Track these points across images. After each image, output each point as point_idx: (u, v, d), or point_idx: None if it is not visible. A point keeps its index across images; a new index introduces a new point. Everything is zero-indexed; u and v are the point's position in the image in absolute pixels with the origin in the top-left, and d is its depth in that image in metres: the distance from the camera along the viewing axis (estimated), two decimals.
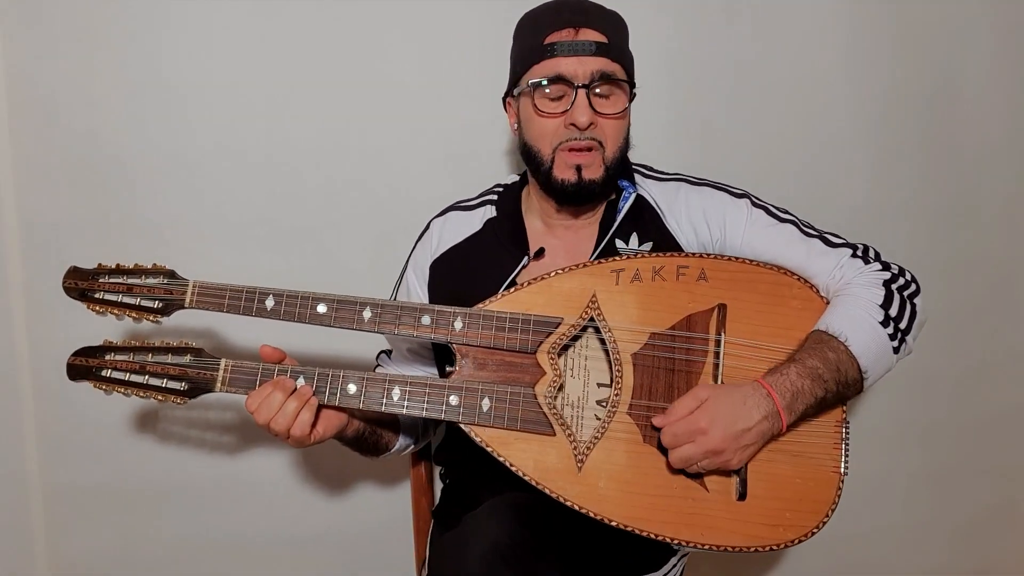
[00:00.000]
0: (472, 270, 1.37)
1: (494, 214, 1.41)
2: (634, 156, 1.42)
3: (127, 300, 1.21)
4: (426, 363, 1.45)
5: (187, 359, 1.20)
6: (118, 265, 1.23)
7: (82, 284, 1.22)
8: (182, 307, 1.21)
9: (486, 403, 1.19)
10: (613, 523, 1.16)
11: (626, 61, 1.29)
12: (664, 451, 1.16)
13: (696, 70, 1.76)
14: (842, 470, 1.22)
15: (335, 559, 1.81)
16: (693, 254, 1.27)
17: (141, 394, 1.19)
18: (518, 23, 1.33)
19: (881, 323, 1.20)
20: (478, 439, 1.19)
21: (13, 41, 1.57)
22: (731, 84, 1.77)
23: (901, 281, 1.25)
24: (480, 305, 1.23)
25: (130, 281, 1.22)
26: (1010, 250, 1.95)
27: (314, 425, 1.20)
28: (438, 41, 1.69)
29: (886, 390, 1.87)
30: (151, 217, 1.65)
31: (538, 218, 1.39)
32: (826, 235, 1.31)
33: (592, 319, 1.22)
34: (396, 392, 1.19)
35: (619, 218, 1.34)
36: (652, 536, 1.16)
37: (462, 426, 1.19)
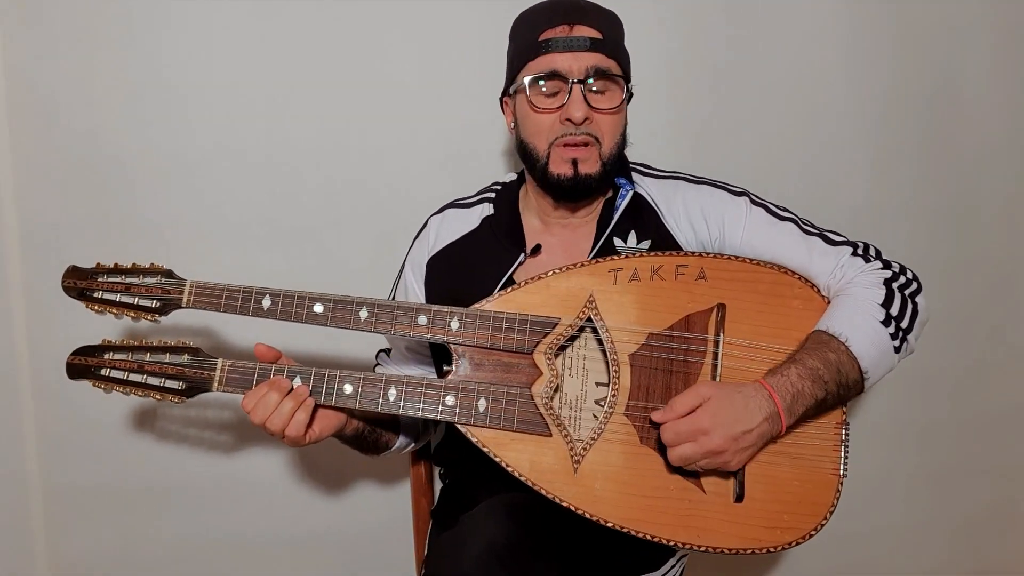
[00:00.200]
0: (469, 267, 1.37)
1: (492, 212, 1.41)
2: (634, 155, 1.42)
3: (125, 299, 1.22)
4: (425, 362, 1.45)
5: (185, 358, 1.20)
6: (116, 265, 1.24)
7: (81, 283, 1.22)
8: (179, 307, 1.21)
9: (482, 403, 1.18)
10: (609, 524, 1.15)
11: (621, 57, 1.29)
12: (662, 449, 1.16)
13: (696, 70, 1.76)
14: (841, 472, 1.21)
15: (335, 559, 1.81)
16: (692, 253, 1.26)
17: (139, 393, 1.20)
18: (514, 22, 1.34)
19: (882, 323, 1.20)
20: (474, 439, 1.19)
21: (13, 41, 1.58)
22: (731, 84, 1.77)
23: (902, 279, 1.25)
24: (477, 305, 1.23)
25: (128, 280, 1.22)
26: (1009, 250, 1.94)
27: (310, 425, 1.20)
28: (438, 41, 1.69)
29: (886, 390, 1.86)
30: (151, 217, 1.65)
31: (535, 216, 1.39)
32: (826, 233, 1.31)
33: (589, 319, 1.22)
34: (392, 392, 1.19)
35: (616, 216, 1.34)
36: (648, 538, 1.16)
37: (458, 427, 1.19)
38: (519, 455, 1.18)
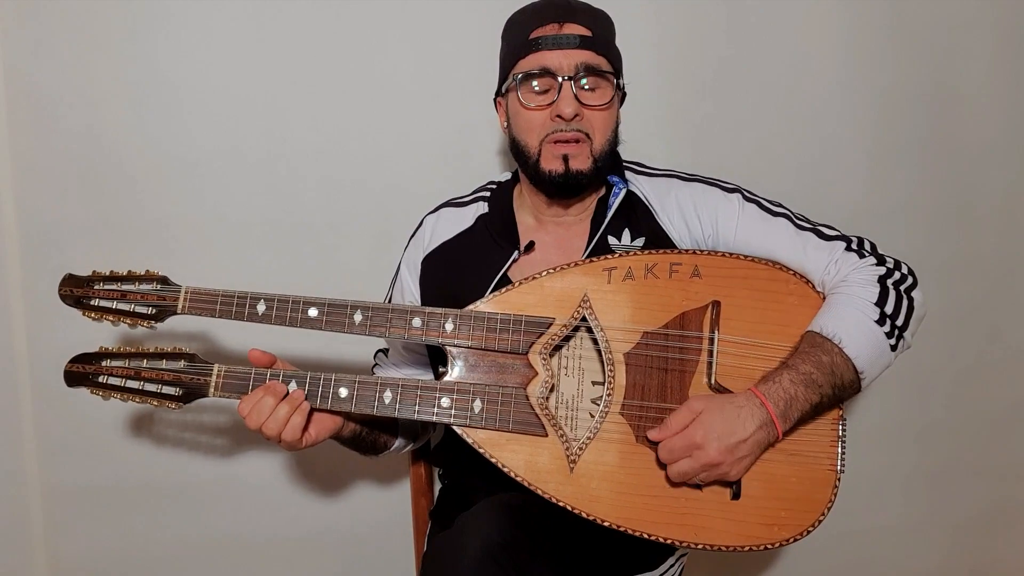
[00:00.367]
0: (463, 265, 1.37)
1: (486, 210, 1.42)
2: (629, 154, 1.42)
3: (121, 307, 1.22)
4: (423, 361, 1.46)
5: (181, 364, 1.21)
6: (112, 272, 1.24)
7: (77, 291, 1.23)
8: (175, 313, 1.22)
9: (478, 404, 1.19)
10: (606, 523, 1.16)
11: (612, 55, 1.29)
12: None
13: (692, 68, 1.75)
14: (838, 468, 1.21)
15: (334, 559, 1.81)
16: (687, 251, 1.26)
17: (137, 400, 1.21)
18: (505, 23, 1.34)
19: (876, 321, 1.19)
20: (470, 440, 1.19)
21: (12, 40, 1.57)
22: (728, 83, 1.76)
23: (897, 275, 1.24)
24: (471, 306, 1.23)
25: (124, 288, 1.23)
26: (1008, 249, 1.93)
27: (306, 429, 1.20)
28: (434, 42, 1.69)
29: (883, 389, 1.86)
30: (151, 217, 1.65)
31: (530, 214, 1.39)
32: (820, 227, 1.30)
33: (584, 318, 1.22)
34: (388, 395, 1.19)
35: (610, 214, 1.33)
36: (645, 536, 1.16)
37: (455, 428, 1.19)
38: (515, 455, 1.18)
